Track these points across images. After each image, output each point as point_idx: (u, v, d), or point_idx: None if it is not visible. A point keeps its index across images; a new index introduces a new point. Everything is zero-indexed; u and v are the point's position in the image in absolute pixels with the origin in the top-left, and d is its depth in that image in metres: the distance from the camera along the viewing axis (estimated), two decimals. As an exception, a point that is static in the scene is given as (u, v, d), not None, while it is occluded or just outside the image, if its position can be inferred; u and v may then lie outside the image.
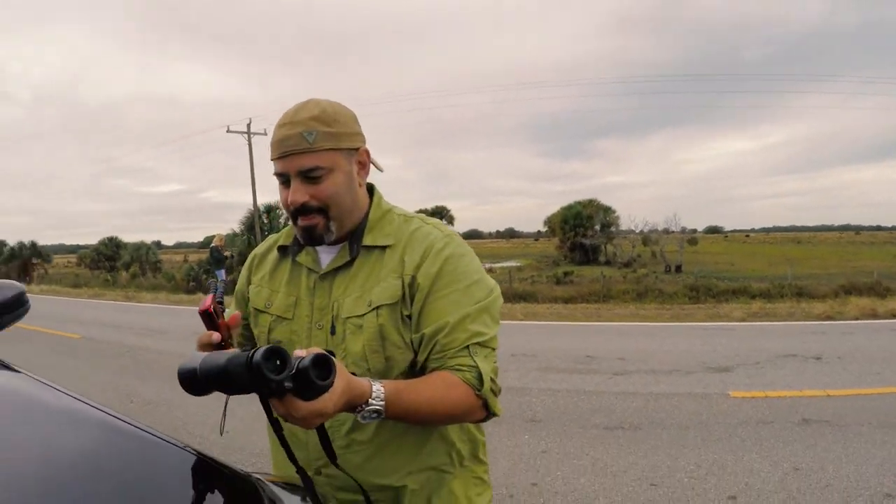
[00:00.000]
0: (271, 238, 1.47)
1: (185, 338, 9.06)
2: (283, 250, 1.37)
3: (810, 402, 4.84)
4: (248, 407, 1.57)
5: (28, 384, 1.22)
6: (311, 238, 1.23)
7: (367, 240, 1.25)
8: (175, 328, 10.74)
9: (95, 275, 28.91)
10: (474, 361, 1.13)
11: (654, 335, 8.26)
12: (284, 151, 1.19)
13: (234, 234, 20.37)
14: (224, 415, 1.33)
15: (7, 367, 1.34)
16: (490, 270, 33.20)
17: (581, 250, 37.21)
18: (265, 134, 21.69)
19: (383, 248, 1.25)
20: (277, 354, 0.83)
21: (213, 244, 15.81)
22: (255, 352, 0.83)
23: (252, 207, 20.19)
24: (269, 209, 20.30)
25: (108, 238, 34.20)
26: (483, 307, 1.19)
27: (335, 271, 1.27)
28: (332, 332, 1.25)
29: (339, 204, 1.22)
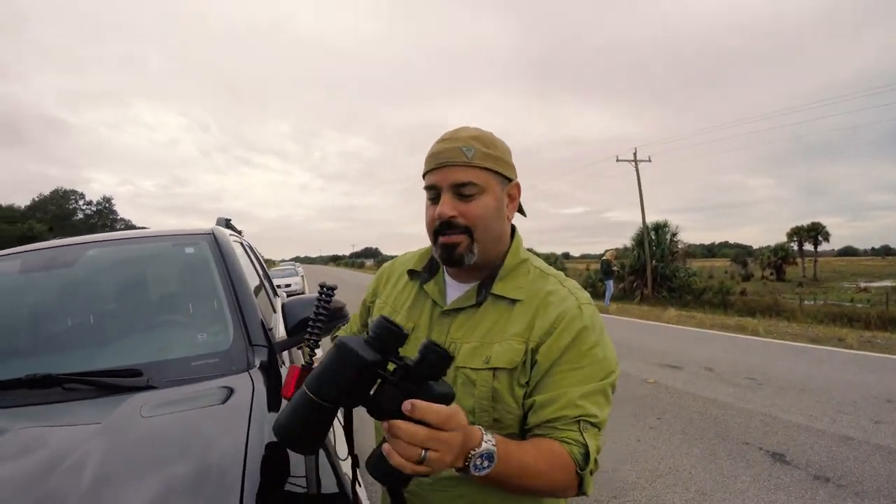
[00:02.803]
0: (405, 257, 1.38)
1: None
2: (412, 274, 1.28)
3: None
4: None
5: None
6: (450, 257, 1.10)
7: (498, 288, 1.12)
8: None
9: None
10: (583, 438, 1.01)
11: None
12: (440, 163, 1.09)
13: (626, 249, 21.17)
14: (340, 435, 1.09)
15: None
16: (865, 290, 26.99)
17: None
18: (649, 161, 22.24)
19: (513, 301, 1.12)
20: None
21: (604, 258, 17.00)
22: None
23: (641, 225, 20.69)
24: (657, 227, 20.52)
25: (526, 249, 37.31)
26: (601, 388, 1.06)
27: (458, 310, 1.15)
28: None
29: (485, 228, 1.10)
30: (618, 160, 22.81)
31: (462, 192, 1.08)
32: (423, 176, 1.15)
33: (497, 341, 1.08)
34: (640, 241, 20.48)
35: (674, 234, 20.60)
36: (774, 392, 5.75)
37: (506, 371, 1.05)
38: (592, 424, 1.02)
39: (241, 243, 2.73)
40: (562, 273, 1.19)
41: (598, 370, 1.05)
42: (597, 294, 19.51)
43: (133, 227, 65.55)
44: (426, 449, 0.75)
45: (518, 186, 1.17)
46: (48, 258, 2.18)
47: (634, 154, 22.24)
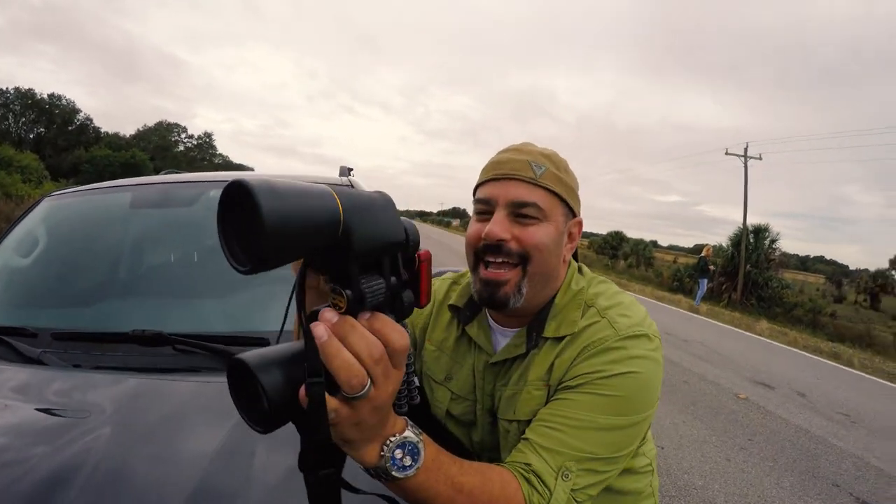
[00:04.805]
0: (444, 282, 1.12)
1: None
2: (452, 309, 1.05)
3: None
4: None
5: None
6: (492, 296, 0.88)
7: (550, 329, 0.91)
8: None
9: (599, 258, 31.22)
10: (553, 483, 0.74)
11: None
12: (503, 173, 0.89)
13: (721, 248, 20.27)
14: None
15: None
16: None
17: None
18: (760, 158, 20.96)
19: (562, 338, 0.90)
20: None
21: (702, 254, 16.11)
22: None
23: (741, 225, 19.72)
24: (758, 230, 19.45)
25: (614, 231, 35.10)
26: (613, 425, 0.80)
27: (507, 360, 0.95)
28: (494, 425, 0.96)
29: (542, 261, 0.88)
30: (727, 153, 21.63)
31: (521, 212, 0.88)
32: (476, 188, 0.96)
33: (524, 387, 0.90)
34: (737, 241, 19.50)
35: (773, 241, 19.47)
36: (867, 434, 5.53)
37: (526, 423, 0.86)
38: (585, 471, 0.77)
39: None
40: (620, 299, 0.95)
41: (615, 403, 0.81)
42: (684, 290, 18.92)
43: (230, 164, 67.57)
44: (371, 378, 0.51)
45: (580, 224, 0.97)
46: (164, 194, 1.90)
47: (745, 150, 20.99)
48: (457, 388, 1.01)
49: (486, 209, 0.91)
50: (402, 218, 0.57)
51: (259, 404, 0.49)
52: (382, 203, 0.55)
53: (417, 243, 0.58)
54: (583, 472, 0.76)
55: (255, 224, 0.42)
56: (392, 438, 0.58)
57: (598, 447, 0.78)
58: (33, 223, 1.80)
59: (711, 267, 16.46)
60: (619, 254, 32.33)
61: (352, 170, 2.40)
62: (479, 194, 0.93)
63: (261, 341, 1.22)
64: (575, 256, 1.03)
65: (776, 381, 7.26)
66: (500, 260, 0.88)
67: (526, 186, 0.88)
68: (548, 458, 0.76)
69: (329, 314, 0.51)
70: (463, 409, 1.01)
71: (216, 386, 1.07)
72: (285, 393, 0.50)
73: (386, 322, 0.53)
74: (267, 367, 0.49)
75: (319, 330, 0.49)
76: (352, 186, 1.86)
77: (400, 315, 0.56)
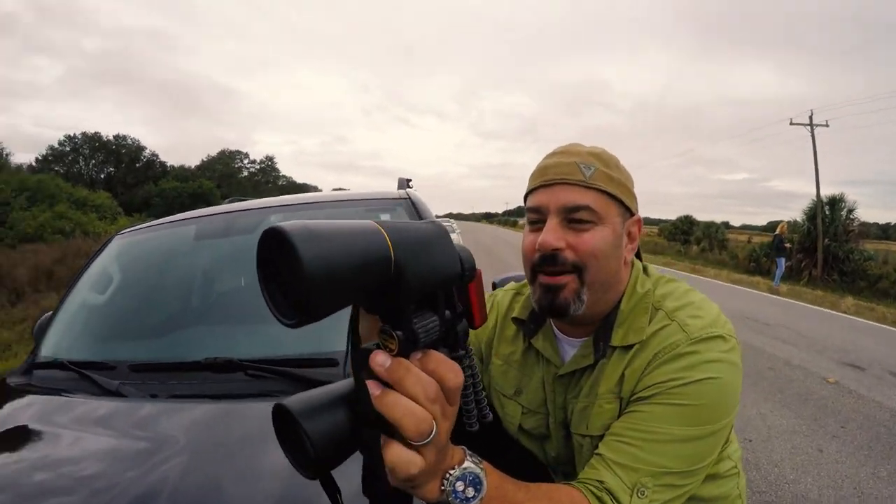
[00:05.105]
0: (507, 294, 1.10)
1: (733, 321, 9.00)
2: (517, 322, 1.03)
3: None
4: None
5: None
6: (552, 303, 0.86)
7: (618, 337, 0.88)
8: (724, 309, 10.45)
9: (671, 245, 30.27)
10: (627, 502, 0.72)
11: None
12: (550, 179, 0.86)
13: (796, 223, 19.22)
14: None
15: None
16: None
17: None
18: (827, 125, 19.76)
19: (631, 346, 0.86)
20: None
21: (777, 232, 15.28)
22: None
23: (815, 197, 18.65)
24: (833, 201, 18.32)
25: (684, 216, 33.77)
26: (691, 435, 0.77)
27: (576, 372, 0.92)
28: (568, 438, 0.94)
29: (600, 267, 0.85)
30: (791, 123, 20.49)
31: (574, 217, 0.85)
32: (526, 197, 0.93)
33: (596, 400, 0.87)
34: (812, 215, 18.41)
35: (850, 210, 18.28)
36: (972, 412, 5.15)
37: (599, 438, 0.84)
38: (662, 486, 0.74)
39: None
40: (690, 298, 0.92)
41: (692, 413, 0.77)
42: (762, 271, 18.05)
43: (294, 184, 68.40)
44: (435, 421, 0.48)
45: (640, 223, 0.93)
46: (226, 223, 1.94)
47: (810, 117, 19.81)
48: (527, 401, 1.00)
49: (538, 218, 0.88)
50: (457, 245, 0.53)
51: (305, 450, 0.47)
52: (436, 235, 0.51)
53: (474, 271, 0.54)
54: (660, 488, 0.74)
55: (295, 272, 0.39)
56: (452, 471, 0.55)
57: (675, 461, 0.76)
58: (107, 261, 1.90)
59: (788, 244, 15.51)
60: (692, 238, 31.04)
61: (410, 181, 2.35)
62: (530, 203, 0.90)
63: (329, 361, 1.25)
64: (638, 255, 0.99)
65: (866, 362, 6.87)
66: (556, 270, 0.86)
67: (576, 190, 0.85)
68: (622, 475, 0.74)
69: (381, 358, 0.47)
70: (535, 422, 0.99)
71: None
72: (331, 438, 0.47)
73: (439, 361, 0.50)
74: (310, 413, 0.47)
75: (371, 385, 0.47)
76: (410, 199, 1.89)
77: (454, 346, 0.54)
